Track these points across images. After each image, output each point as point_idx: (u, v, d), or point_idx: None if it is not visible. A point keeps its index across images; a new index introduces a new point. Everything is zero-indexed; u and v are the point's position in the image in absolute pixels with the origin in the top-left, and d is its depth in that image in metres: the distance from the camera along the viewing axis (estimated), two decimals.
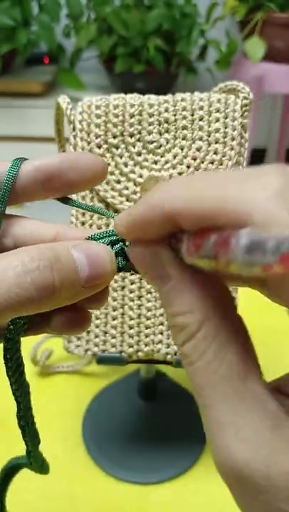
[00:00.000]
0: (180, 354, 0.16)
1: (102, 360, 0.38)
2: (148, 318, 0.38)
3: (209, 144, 0.36)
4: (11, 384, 0.22)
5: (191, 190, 0.15)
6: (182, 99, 0.36)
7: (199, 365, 0.15)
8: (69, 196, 0.22)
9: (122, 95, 0.35)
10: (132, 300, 0.37)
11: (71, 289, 0.17)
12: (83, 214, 0.37)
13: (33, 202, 0.22)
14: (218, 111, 0.36)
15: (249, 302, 0.42)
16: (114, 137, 0.36)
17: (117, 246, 0.20)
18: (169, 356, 0.38)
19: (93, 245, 0.19)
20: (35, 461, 0.26)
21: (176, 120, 0.36)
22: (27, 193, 0.21)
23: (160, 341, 0.38)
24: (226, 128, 0.36)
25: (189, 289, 0.16)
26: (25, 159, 0.21)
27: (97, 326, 0.38)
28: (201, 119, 0.36)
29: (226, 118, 0.36)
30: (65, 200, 0.22)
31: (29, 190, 0.21)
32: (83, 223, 0.37)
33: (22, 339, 0.20)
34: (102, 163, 0.21)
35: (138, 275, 0.37)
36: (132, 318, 0.38)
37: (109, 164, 0.36)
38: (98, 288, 0.18)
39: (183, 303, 0.16)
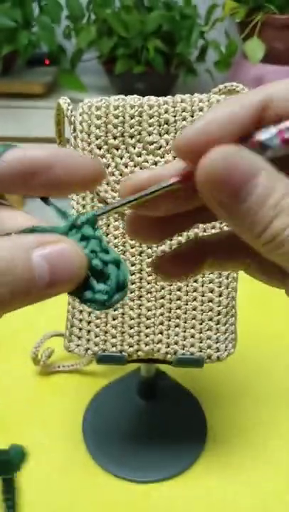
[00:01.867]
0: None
1: (102, 360, 0.38)
2: (148, 318, 0.38)
3: None
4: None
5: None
6: (182, 101, 0.36)
7: None
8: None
9: (122, 96, 0.36)
10: (132, 300, 0.38)
11: (27, 297, 0.16)
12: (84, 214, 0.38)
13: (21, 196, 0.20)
14: None
15: (249, 290, 0.42)
16: (115, 138, 0.36)
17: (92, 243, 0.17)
18: (169, 356, 0.38)
19: (57, 246, 0.16)
20: None
21: (176, 121, 0.36)
22: (3, 185, 0.18)
23: (160, 341, 0.38)
24: None
25: (281, 176, 0.16)
26: (14, 146, 0.19)
27: (97, 326, 0.38)
28: None
29: None
30: (45, 200, 0.20)
31: (6, 182, 0.18)
32: None
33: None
34: (97, 165, 0.19)
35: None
36: (132, 318, 0.38)
37: (109, 165, 0.36)
38: (66, 290, 0.17)
39: (287, 183, 0.16)
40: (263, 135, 0.16)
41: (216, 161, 0.15)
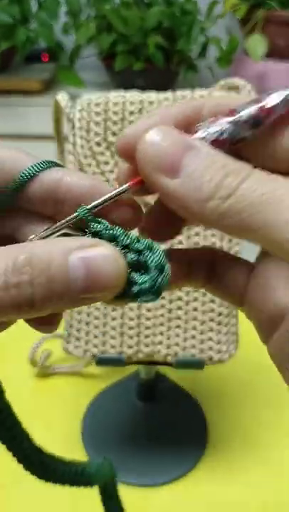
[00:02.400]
0: (225, 204, 0.15)
1: (101, 362, 0.38)
2: (148, 319, 0.37)
3: None
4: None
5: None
6: (182, 97, 0.35)
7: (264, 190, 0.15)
8: None
9: (122, 93, 0.35)
10: None
11: (60, 301, 0.15)
12: None
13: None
14: None
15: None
16: (114, 135, 0.35)
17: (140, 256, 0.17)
18: (169, 357, 0.38)
19: (98, 253, 0.16)
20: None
21: None
22: (34, 204, 0.18)
23: (160, 342, 0.37)
24: None
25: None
26: (55, 166, 0.18)
27: (96, 327, 0.38)
28: None
29: None
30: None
31: (37, 202, 0.18)
32: None
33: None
34: (138, 207, 0.18)
35: None
36: (131, 319, 0.37)
37: (108, 163, 0.35)
38: (103, 299, 0.16)
39: (225, 159, 0.16)
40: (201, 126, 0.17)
41: (154, 134, 0.16)
